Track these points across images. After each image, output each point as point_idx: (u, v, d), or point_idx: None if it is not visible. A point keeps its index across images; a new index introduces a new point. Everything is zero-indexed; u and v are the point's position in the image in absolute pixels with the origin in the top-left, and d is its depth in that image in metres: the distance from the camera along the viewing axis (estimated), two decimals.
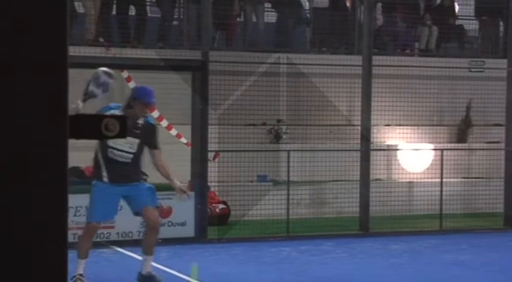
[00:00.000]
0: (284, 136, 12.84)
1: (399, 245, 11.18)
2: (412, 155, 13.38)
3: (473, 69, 13.60)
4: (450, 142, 13.82)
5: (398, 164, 13.32)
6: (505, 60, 12.80)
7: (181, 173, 11.10)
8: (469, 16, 15.73)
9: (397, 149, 13.35)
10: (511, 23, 13.32)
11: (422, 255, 10.66)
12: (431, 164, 13.28)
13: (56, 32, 1.53)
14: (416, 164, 13.38)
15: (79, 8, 12.79)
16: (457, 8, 15.74)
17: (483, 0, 15.20)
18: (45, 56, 1.56)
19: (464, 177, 13.28)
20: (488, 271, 9.68)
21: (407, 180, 13.22)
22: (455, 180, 13.12)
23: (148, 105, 8.46)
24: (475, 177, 13.27)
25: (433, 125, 13.47)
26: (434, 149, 13.24)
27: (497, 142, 13.22)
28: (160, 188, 11.22)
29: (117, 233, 10.55)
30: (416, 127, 13.37)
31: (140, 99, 8.33)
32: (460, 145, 13.72)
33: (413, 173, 13.33)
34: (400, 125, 13.23)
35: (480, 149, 13.56)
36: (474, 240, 11.77)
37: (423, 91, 12.97)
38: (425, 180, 13.18)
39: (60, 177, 1.56)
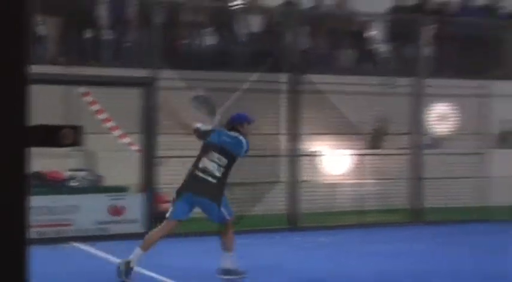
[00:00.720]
0: None
1: (325, 238, 11.30)
2: (334, 159, 13.48)
3: (386, 87, 13.71)
4: (367, 148, 13.94)
5: (323, 168, 13.39)
6: (413, 78, 13.19)
7: (134, 176, 11.14)
8: (383, 40, 15.97)
9: (322, 155, 13.38)
10: (421, 47, 13.86)
11: (344, 246, 10.80)
12: (351, 167, 13.44)
13: (18, 51, 1.57)
14: (338, 167, 13.49)
15: (41, 31, 12.70)
16: (372, 33, 16.00)
17: (395, 26, 15.50)
18: (9, 73, 1.59)
19: (378, 178, 13.36)
20: (401, 259, 9.79)
21: (331, 181, 13.29)
22: (371, 181, 13.26)
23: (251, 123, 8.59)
24: (387, 178, 13.36)
25: (352, 134, 13.54)
26: (353, 155, 13.42)
27: (406, 148, 13.38)
28: (113, 189, 11.18)
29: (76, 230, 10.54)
30: (338, 135, 13.46)
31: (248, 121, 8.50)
32: (375, 151, 13.87)
33: (335, 175, 13.44)
34: (324, 134, 13.33)
35: (392, 154, 13.66)
36: (387, 232, 12.03)
37: (344, 104, 13.01)
38: (347, 181, 13.33)
39: (21, 181, 1.58)
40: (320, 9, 15.45)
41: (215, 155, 8.15)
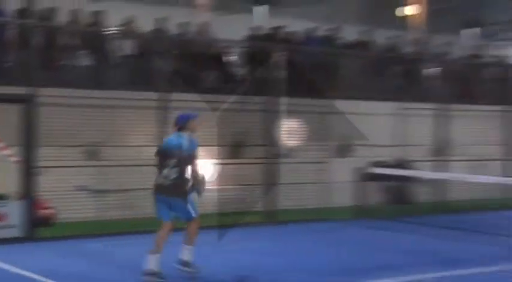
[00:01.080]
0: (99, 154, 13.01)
1: (204, 237, 11.47)
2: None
3: (243, 104, 14.06)
4: (227, 158, 14.13)
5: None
6: (267, 97, 13.75)
7: (14, 184, 11.19)
8: (241, 63, 16.48)
9: None
10: (273, 70, 14.35)
11: (208, 245, 10.53)
12: (214, 175, 13.41)
13: None
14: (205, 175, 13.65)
15: None
16: (231, 57, 16.64)
17: (251, 52, 16.07)
18: None
19: (238, 184, 13.66)
20: (257, 255, 10.05)
21: None
22: (232, 186, 13.48)
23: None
24: (246, 184, 13.70)
25: (215, 145, 13.70)
26: (216, 164, 13.54)
27: (262, 158, 13.68)
28: None
29: None
30: (202, 147, 13.50)
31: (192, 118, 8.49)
32: (235, 160, 14.16)
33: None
34: None
35: (249, 163, 13.96)
36: (245, 232, 12.20)
37: (208, 119, 12.99)
38: (210, 187, 13.28)
39: None
40: (185, 35, 15.77)
41: (167, 161, 8.26)
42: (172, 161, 8.22)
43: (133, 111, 12.84)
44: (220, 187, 13.26)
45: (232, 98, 14.05)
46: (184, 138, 8.32)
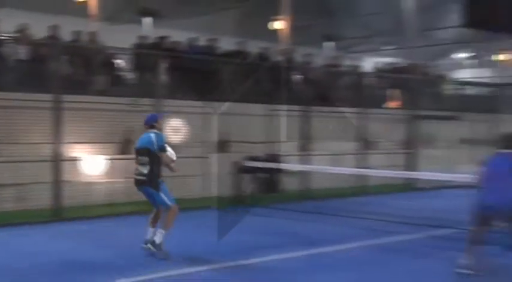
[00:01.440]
0: None
1: (86, 226, 11.38)
2: (92, 163, 13.51)
3: (132, 105, 13.97)
4: (117, 154, 14.07)
5: (82, 170, 13.40)
6: (153, 99, 13.59)
7: None
8: (130, 68, 16.32)
9: (81, 160, 13.41)
10: (159, 75, 14.42)
11: (100, 232, 10.88)
12: (105, 169, 13.52)
13: None
14: (94, 169, 13.53)
15: None
16: (120, 62, 16.47)
17: (139, 58, 15.88)
18: None
19: (126, 177, 12.80)
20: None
21: (89, 180, 13.35)
22: (121, 179, 13.06)
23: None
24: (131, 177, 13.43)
25: (106, 142, 13.66)
26: (107, 159, 13.53)
27: None
28: None
29: None
30: (94, 144, 13.57)
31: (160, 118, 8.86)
32: (123, 156, 13.68)
33: (92, 176, 13.47)
34: (83, 143, 13.34)
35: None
36: (134, 219, 11.91)
37: (100, 119, 13.19)
38: (101, 180, 13.40)
39: None
40: (77, 42, 15.52)
41: (139, 158, 8.51)
42: (144, 158, 8.41)
43: (29, 112, 12.47)
44: (111, 180, 13.10)
45: (122, 100, 13.93)
46: (153, 136, 8.46)
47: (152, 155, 8.41)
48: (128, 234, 10.44)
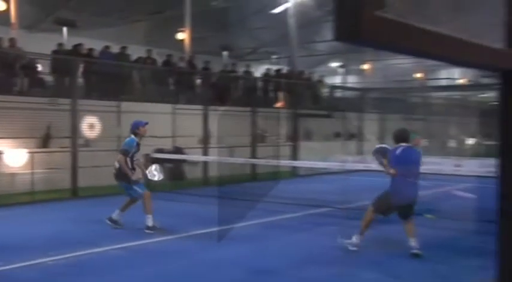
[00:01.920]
0: None
1: (5, 212, 10.96)
2: (14, 156, 13.14)
3: (51, 105, 13.69)
4: (38, 147, 13.74)
5: (5, 162, 13.01)
6: (71, 99, 13.28)
7: None
8: (49, 72, 15.90)
9: (4, 153, 12.99)
10: (75, 78, 14.09)
11: (21, 218, 10.62)
12: (27, 161, 13.08)
13: None
14: (17, 161, 13.15)
15: None
16: (39, 66, 15.99)
17: (57, 63, 15.50)
18: None
19: (47, 168, 13.24)
20: (66, 223, 9.97)
21: (12, 172, 13.00)
22: (42, 170, 13.08)
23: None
24: (54, 168, 13.27)
25: (28, 137, 13.21)
26: (28, 152, 13.11)
27: (67, 147, 13.43)
28: None
29: None
30: (17, 139, 13.09)
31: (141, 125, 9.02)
32: (44, 149, 13.74)
33: (15, 167, 13.10)
34: (6, 138, 12.86)
35: (57, 151, 13.62)
36: (54, 205, 11.95)
37: (22, 117, 12.70)
38: (23, 171, 13.01)
39: None
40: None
41: (117, 157, 8.93)
42: (119, 156, 8.83)
43: None
44: (32, 171, 12.76)
45: (41, 100, 13.62)
46: (132, 140, 8.85)
47: (129, 154, 8.83)
48: (46, 219, 10.36)
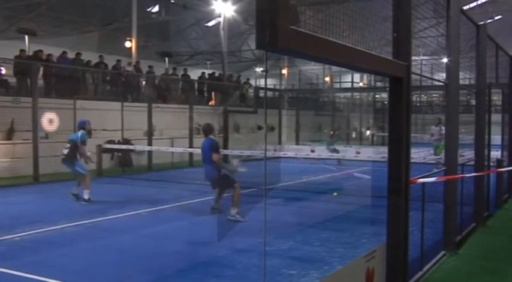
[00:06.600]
0: None
1: None
2: None
3: (14, 103, 13.12)
4: (3, 140, 13.16)
5: None
6: (31, 98, 12.55)
7: None
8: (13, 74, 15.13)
9: None
10: (36, 79, 13.36)
11: None
12: None
13: None
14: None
15: None
16: (2, 69, 15.18)
17: (18, 67, 14.76)
18: None
19: (11, 158, 12.74)
20: (27, 205, 9.56)
21: None
22: (5, 159, 12.52)
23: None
24: (18, 157, 12.76)
25: None
26: None
27: (29, 139, 12.78)
28: None
29: None
30: None
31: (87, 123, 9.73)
32: (8, 141, 13.18)
33: None
34: None
35: (20, 143, 13.13)
36: (17, 190, 11.28)
37: None
38: None
39: None
40: None
41: (66, 145, 9.56)
42: (68, 145, 9.51)
43: None
44: None
45: (6, 99, 13.08)
46: (79, 134, 9.50)
47: (74, 144, 9.45)
48: (11, 201, 9.83)
